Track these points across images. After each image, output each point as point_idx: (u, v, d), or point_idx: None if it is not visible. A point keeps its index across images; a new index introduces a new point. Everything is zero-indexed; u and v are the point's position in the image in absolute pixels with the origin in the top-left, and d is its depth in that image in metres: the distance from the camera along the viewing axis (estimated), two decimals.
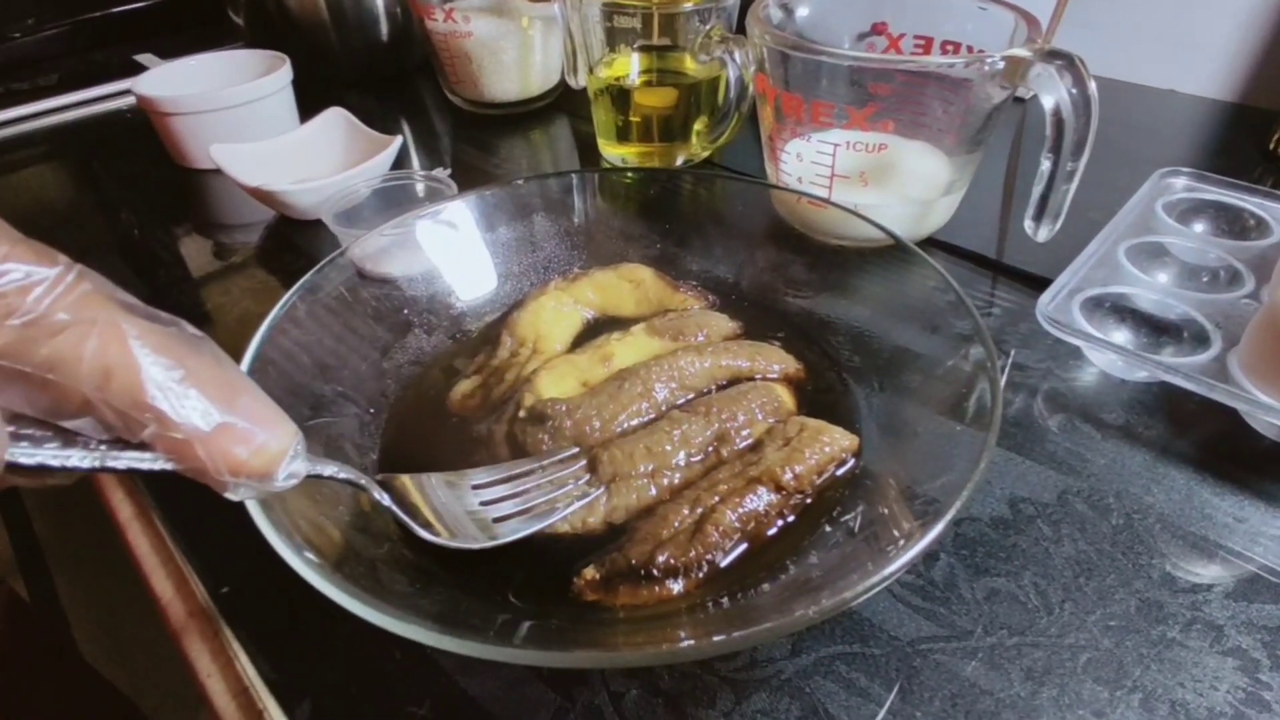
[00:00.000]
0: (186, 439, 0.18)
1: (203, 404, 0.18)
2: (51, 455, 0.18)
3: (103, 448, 0.19)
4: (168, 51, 0.89)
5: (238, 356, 0.31)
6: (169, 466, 0.19)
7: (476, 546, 0.28)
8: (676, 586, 0.29)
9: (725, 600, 0.28)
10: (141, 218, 0.63)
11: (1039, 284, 0.44)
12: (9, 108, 0.82)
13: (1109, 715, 0.27)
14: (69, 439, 0.19)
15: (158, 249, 0.58)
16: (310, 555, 0.25)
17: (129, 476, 0.39)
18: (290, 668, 0.30)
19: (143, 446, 0.19)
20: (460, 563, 0.30)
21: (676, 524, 0.30)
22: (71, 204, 0.67)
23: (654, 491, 0.32)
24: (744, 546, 0.30)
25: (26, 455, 0.18)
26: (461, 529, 0.28)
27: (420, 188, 0.54)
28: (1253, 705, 0.27)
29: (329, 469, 0.25)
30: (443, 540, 0.28)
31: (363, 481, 0.27)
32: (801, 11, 0.52)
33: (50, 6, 0.99)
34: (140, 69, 0.70)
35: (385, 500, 0.28)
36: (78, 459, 0.19)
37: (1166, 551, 0.32)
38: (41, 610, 0.94)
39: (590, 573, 0.29)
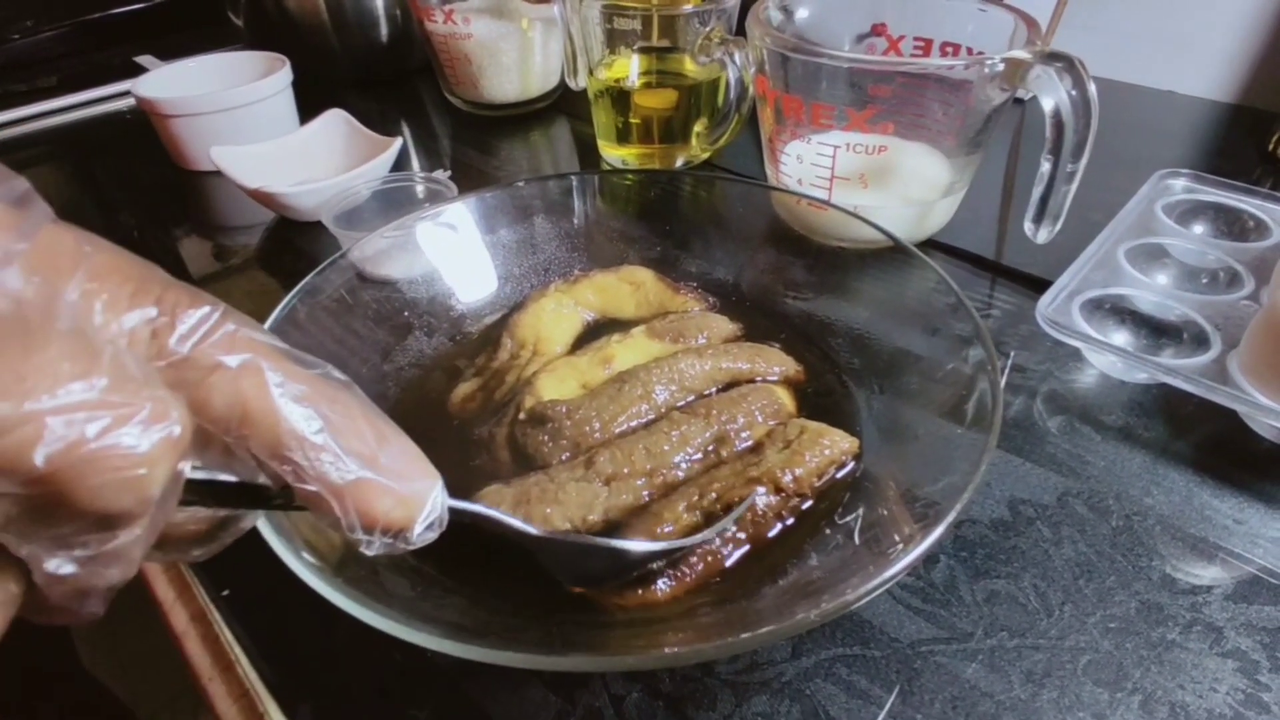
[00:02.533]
0: (320, 493, 0.18)
1: (340, 458, 0.18)
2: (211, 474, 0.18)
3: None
4: (167, 53, 0.89)
5: None
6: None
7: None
8: (667, 586, 0.29)
9: (726, 603, 0.28)
10: (141, 219, 0.63)
11: (1039, 286, 0.44)
12: (9, 109, 0.82)
13: (1109, 717, 0.27)
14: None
15: (158, 251, 0.58)
16: (313, 560, 0.25)
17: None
18: (291, 671, 0.30)
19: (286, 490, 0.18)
20: (460, 567, 0.30)
21: (672, 523, 0.30)
22: (71, 206, 0.67)
23: (652, 492, 0.33)
24: (744, 549, 0.30)
25: (195, 472, 0.17)
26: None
27: (420, 189, 0.54)
28: (1252, 707, 0.27)
29: (475, 508, 0.23)
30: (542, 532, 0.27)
31: (506, 520, 0.25)
32: (801, 13, 0.52)
33: (50, 8, 0.99)
34: (140, 70, 0.71)
35: (531, 529, 0.26)
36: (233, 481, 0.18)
37: (1166, 553, 0.32)
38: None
39: None
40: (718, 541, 0.30)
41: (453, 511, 0.21)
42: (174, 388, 0.15)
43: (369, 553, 0.19)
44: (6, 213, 0.13)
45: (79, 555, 0.14)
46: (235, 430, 0.16)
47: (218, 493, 0.18)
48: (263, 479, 0.18)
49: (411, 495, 0.19)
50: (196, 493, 0.18)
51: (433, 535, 0.20)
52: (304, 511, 0.19)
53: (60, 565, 0.14)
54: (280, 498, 0.19)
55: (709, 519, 0.31)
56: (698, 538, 0.29)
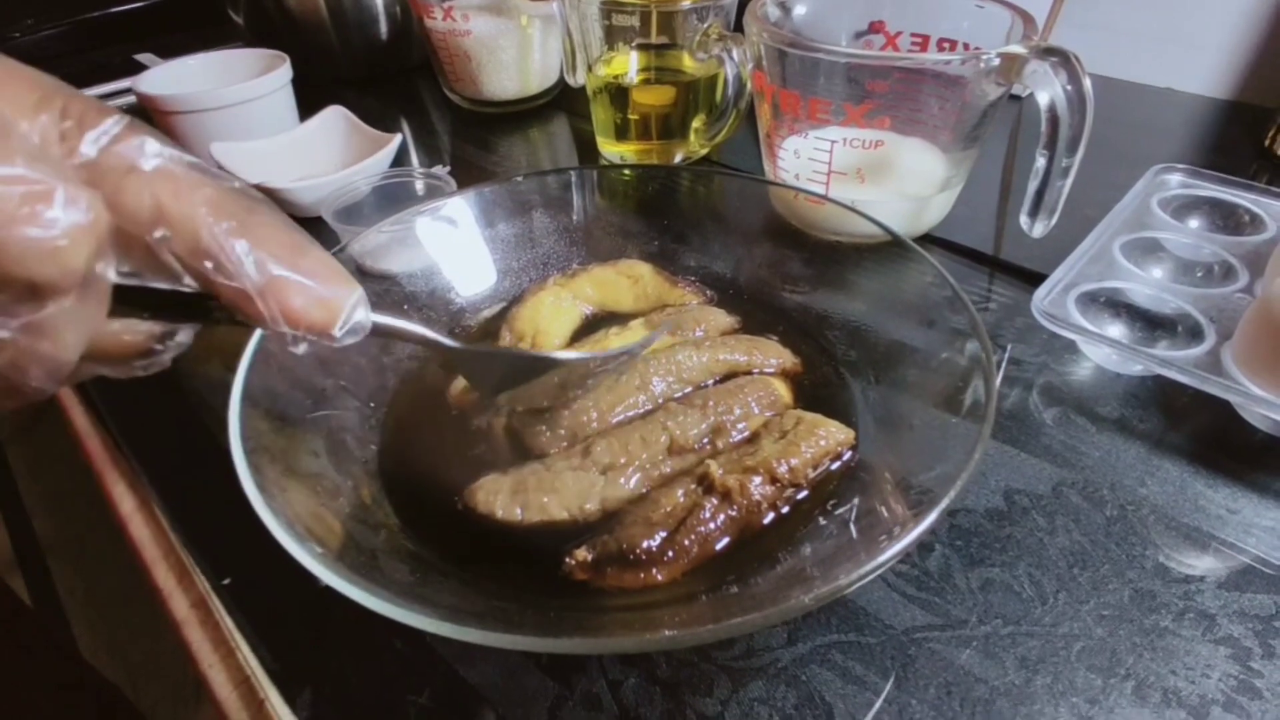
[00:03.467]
0: (242, 289, 0.19)
1: (257, 255, 0.19)
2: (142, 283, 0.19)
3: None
4: (167, 51, 0.90)
5: (239, 352, 0.32)
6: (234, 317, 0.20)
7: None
8: (664, 572, 0.29)
9: (720, 589, 0.29)
10: None
11: (1034, 279, 0.44)
12: None
13: (1102, 703, 0.27)
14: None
15: None
16: (314, 546, 0.25)
17: (136, 460, 0.39)
18: (291, 658, 0.30)
19: (186, 301, 0.19)
20: (458, 554, 0.30)
21: (668, 509, 0.30)
22: None
23: (648, 481, 0.33)
24: (738, 537, 0.31)
25: (124, 280, 0.18)
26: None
27: (420, 185, 0.54)
28: (1245, 693, 0.27)
29: (397, 323, 0.25)
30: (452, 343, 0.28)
31: (430, 334, 0.27)
32: (799, 10, 0.52)
33: (50, 6, 1.00)
34: (140, 68, 0.71)
35: (445, 341, 0.27)
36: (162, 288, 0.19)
37: (1160, 542, 0.32)
38: (40, 608, 0.94)
39: (582, 553, 0.29)
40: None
41: (375, 324, 0.22)
42: (89, 186, 0.16)
43: (296, 350, 0.21)
44: None
45: (13, 325, 0.16)
46: (154, 230, 0.18)
47: (148, 301, 0.19)
48: (188, 284, 0.19)
49: (332, 298, 0.20)
50: (126, 300, 0.19)
51: (355, 339, 0.22)
52: (236, 325, 0.20)
53: None
54: (207, 305, 0.19)
55: (706, 508, 0.31)
56: (616, 350, 0.32)
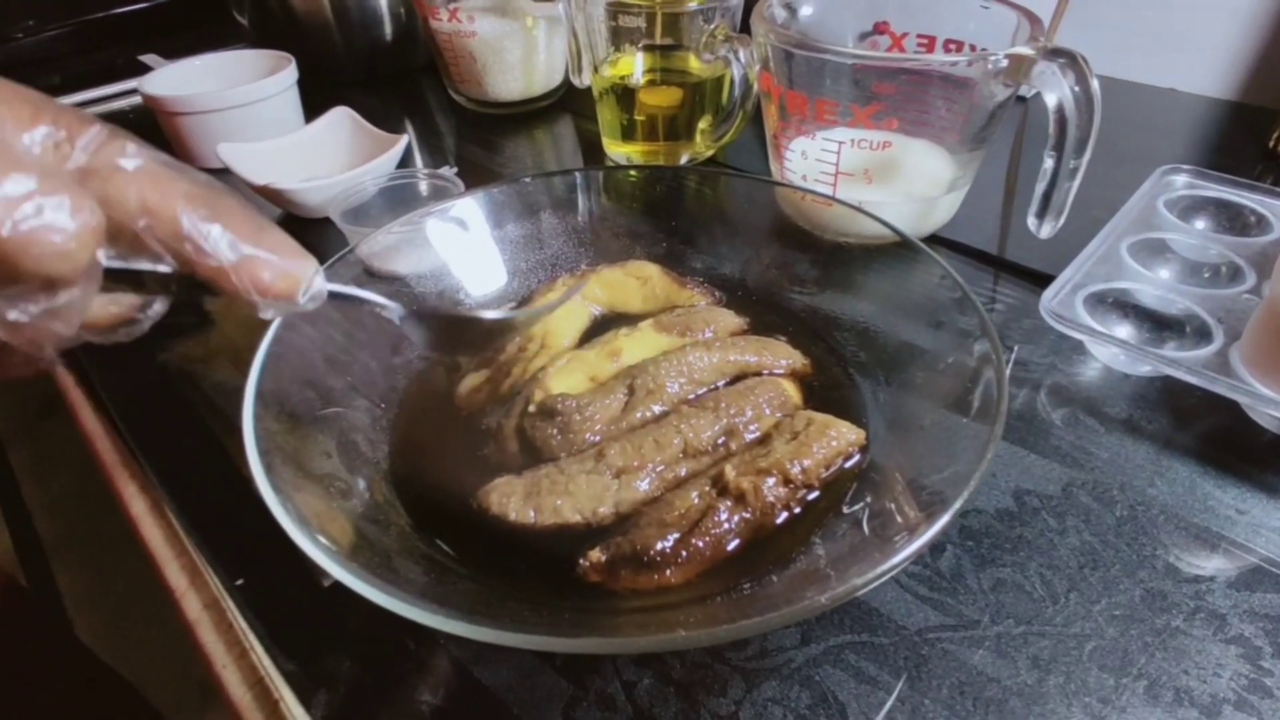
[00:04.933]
0: (220, 266, 0.22)
1: (229, 237, 0.22)
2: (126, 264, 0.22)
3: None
4: (171, 52, 0.90)
5: (250, 353, 0.32)
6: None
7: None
8: (678, 573, 0.29)
9: (734, 591, 0.29)
10: None
11: (1041, 281, 0.44)
12: None
13: (1114, 702, 0.27)
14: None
15: None
16: (329, 544, 0.25)
17: (148, 462, 0.40)
18: (305, 659, 0.30)
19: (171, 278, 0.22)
20: (472, 554, 0.31)
21: (682, 511, 0.31)
22: None
23: (662, 484, 0.33)
24: (751, 538, 0.31)
25: (112, 261, 0.21)
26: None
27: (427, 186, 0.54)
28: (1256, 691, 0.27)
29: (351, 290, 0.28)
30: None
31: (377, 298, 0.29)
32: (805, 11, 0.52)
33: (53, 6, 1.00)
34: (144, 69, 0.71)
35: (392, 304, 0.29)
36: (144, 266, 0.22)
37: (1170, 543, 0.32)
38: (41, 604, 0.94)
39: (596, 554, 0.29)
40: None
41: (331, 291, 0.26)
42: (85, 190, 0.19)
43: (265, 316, 0.24)
44: None
45: (32, 311, 0.19)
46: (140, 220, 0.20)
47: (132, 278, 0.22)
48: (167, 266, 0.22)
49: (294, 269, 0.23)
50: (115, 278, 0.21)
51: (315, 305, 0.25)
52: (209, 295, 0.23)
53: (19, 317, 0.19)
54: (183, 280, 0.22)
55: (720, 509, 0.31)
56: (542, 307, 0.36)
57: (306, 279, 0.24)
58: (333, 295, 0.26)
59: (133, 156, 0.21)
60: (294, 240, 0.24)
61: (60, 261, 0.18)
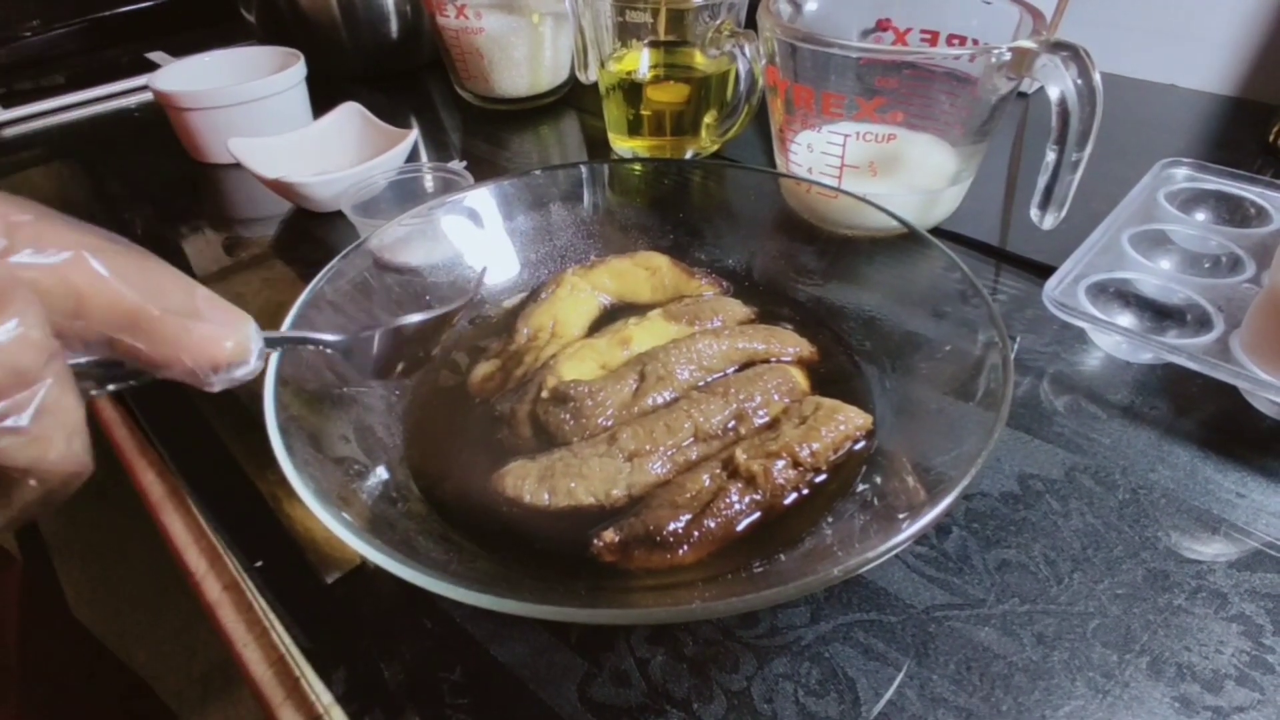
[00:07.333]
0: (174, 352, 0.20)
1: (175, 320, 0.20)
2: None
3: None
4: (178, 50, 0.90)
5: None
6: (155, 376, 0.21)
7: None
8: (690, 553, 0.30)
9: (744, 570, 0.29)
10: (159, 212, 0.64)
11: (1042, 272, 0.45)
12: (19, 106, 0.82)
13: (1118, 676, 0.28)
14: None
15: (175, 242, 0.59)
16: (349, 519, 0.26)
17: (165, 448, 0.40)
18: (324, 637, 0.31)
19: (121, 366, 0.21)
20: (487, 535, 0.31)
21: (694, 492, 0.31)
22: (89, 200, 0.68)
23: (674, 467, 0.33)
24: (760, 518, 0.31)
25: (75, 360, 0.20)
26: None
27: (437, 180, 0.55)
28: (1257, 667, 0.28)
29: (284, 334, 0.28)
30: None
31: (312, 335, 0.29)
32: (810, 6, 0.53)
33: (60, 4, 1.00)
34: (152, 67, 0.71)
35: (331, 338, 0.29)
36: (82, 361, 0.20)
37: (1172, 525, 0.33)
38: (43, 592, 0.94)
39: (610, 535, 0.30)
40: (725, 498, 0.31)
41: (270, 340, 0.24)
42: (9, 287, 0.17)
43: (214, 389, 0.22)
44: None
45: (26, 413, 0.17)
46: (75, 317, 0.19)
47: (96, 373, 0.21)
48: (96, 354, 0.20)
49: (240, 336, 0.22)
50: (87, 376, 0.20)
51: (261, 362, 0.23)
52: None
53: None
54: (137, 369, 0.21)
55: (731, 491, 0.31)
56: (455, 305, 0.35)
57: (252, 338, 0.23)
58: (270, 342, 0.25)
59: (60, 245, 0.19)
60: (221, 298, 0.22)
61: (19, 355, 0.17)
